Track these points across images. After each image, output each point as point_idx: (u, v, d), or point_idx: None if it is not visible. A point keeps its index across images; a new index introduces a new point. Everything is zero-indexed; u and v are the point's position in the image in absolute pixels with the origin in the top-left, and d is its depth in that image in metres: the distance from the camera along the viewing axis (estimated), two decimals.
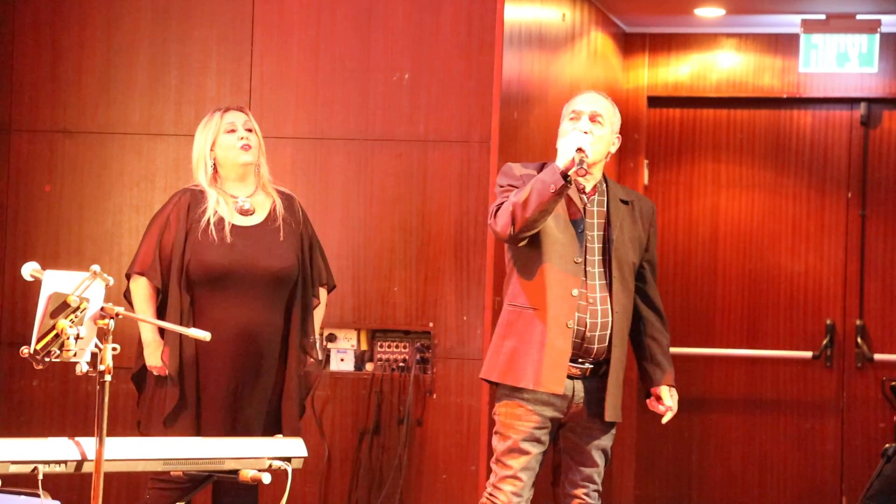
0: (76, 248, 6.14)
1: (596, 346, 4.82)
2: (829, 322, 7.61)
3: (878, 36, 7.30)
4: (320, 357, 5.84)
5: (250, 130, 5.20)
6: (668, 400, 4.96)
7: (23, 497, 4.04)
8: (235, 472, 4.27)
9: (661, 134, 7.88)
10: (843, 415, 7.60)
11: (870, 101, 7.59)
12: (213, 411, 5.06)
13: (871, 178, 7.63)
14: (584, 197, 4.88)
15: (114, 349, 3.74)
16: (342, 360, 6.01)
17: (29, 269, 3.82)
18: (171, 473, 4.41)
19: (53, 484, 4.26)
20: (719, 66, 7.75)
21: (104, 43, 6.18)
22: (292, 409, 5.16)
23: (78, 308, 3.71)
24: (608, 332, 4.83)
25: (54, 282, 3.73)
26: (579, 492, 4.89)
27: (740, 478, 7.68)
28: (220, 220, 5.09)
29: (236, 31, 6.10)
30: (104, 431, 3.73)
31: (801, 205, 7.71)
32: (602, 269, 4.86)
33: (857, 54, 7.36)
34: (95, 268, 3.76)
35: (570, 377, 4.81)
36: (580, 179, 4.88)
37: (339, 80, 6.03)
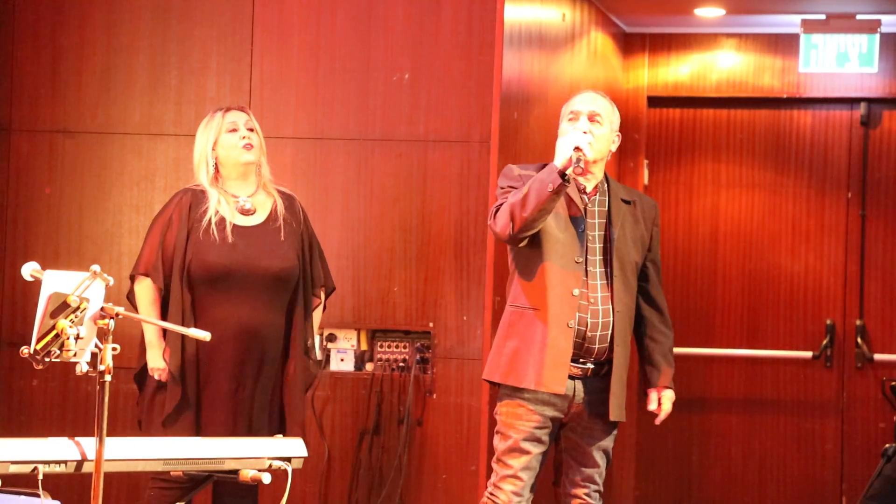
0: (76, 248, 6.14)
1: (597, 346, 4.82)
2: (829, 322, 7.61)
3: (878, 36, 7.30)
4: (319, 357, 5.85)
5: (252, 130, 5.20)
6: (654, 403, 4.97)
7: (23, 497, 4.04)
8: (235, 472, 4.27)
9: (661, 134, 7.88)
10: (843, 415, 7.60)
11: (870, 101, 7.59)
12: (214, 411, 5.06)
13: (871, 178, 7.63)
14: (584, 197, 4.88)
15: (114, 349, 3.74)
16: (342, 360, 6.01)
17: (29, 269, 3.81)
18: (171, 473, 4.41)
19: (53, 484, 4.26)
20: (719, 66, 7.75)
21: (104, 43, 6.18)
22: (297, 406, 5.16)
23: (78, 308, 3.71)
24: (609, 331, 4.83)
25: (54, 282, 3.73)
26: (580, 492, 4.90)
27: (740, 478, 7.68)
28: (222, 220, 5.09)
29: (236, 31, 6.10)
30: (104, 431, 3.73)
31: (801, 205, 7.71)
32: (603, 269, 4.86)
33: (857, 54, 7.36)
34: (95, 268, 3.76)
35: (571, 377, 4.81)
36: (580, 179, 4.88)
37: (339, 80, 6.03)
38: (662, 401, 4.97)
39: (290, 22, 6.07)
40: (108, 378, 3.71)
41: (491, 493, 4.85)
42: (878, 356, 7.55)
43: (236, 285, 5.05)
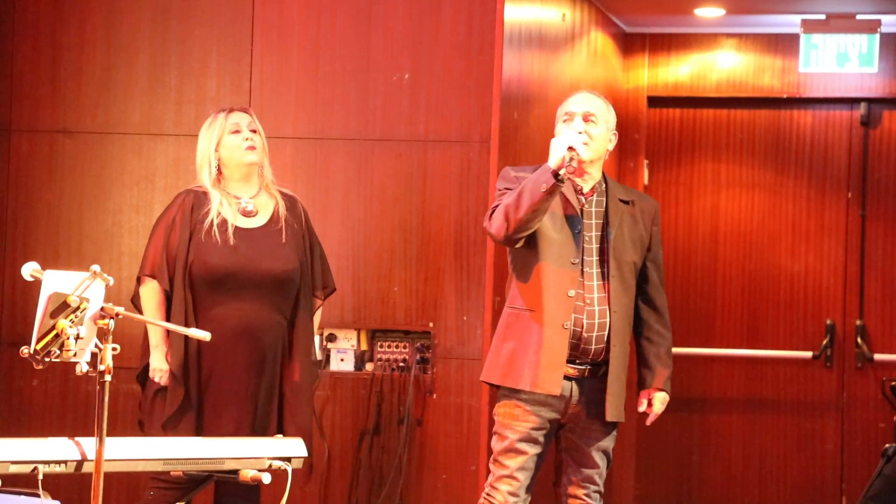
0: (76, 248, 6.14)
1: (593, 347, 4.82)
2: (829, 322, 7.61)
3: (878, 36, 7.29)
4: (319, 358, 5.85)
5: (254, 131, 5.20)
6: (643, 405, 4.97)
7: (23, 497, 4.04)
8: (235, 472, 4.27)
9: (661, 134, 7.88)
10: (843, 415, 7.60)
11: (870, 101, 7.59)
12: (215, 414, 5.06)
13: (872, 178, 7.63)
14: (581, 198, 4.88)
15: (114, 349, 3.74)
16: (342, 360, 6.01)
17: (29, 269, 3.81)
18: (171, 473, 4.41)
19: (53, 484, 4.26)
20: (719, 66, 7.75)
21: (104, 43, 6.18)
22: (303, 413, 5.15)
23: (78, 308, 3.71)
24: (606, 332, 4.82)
25: (54, 282, 3.73)
26: (580, 492, 4.90)
27: (740, 478, 7.68)
28: (224, 222, 5.09)
29: (236, 31, 6.10)
30: (104, 431, 3.73)
31: (801, 205, 7.70)
32: (600, 270, 4.86)
33: (857, 54, 7.36)
34: (95, 268, 3.76)
35: (568, 378, 4.81)
36: (577, 180, 4.88)
37: (339, 80, 6.03)
38: (653, 402, 4.97)
39: (290, 22, 6.07)
40: (108, 378, 3.71)
41: (487, 494, 4.86)
42: (878, 356, 7.55)
43: (238, 287, 5.05)
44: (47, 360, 3.71)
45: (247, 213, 5.16)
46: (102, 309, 3.77)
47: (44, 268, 3.80)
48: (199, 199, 5.12)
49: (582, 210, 4.86)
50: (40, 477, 3.84)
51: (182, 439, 4.51)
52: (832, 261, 7.65)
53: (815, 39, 7.40)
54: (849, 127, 7.67)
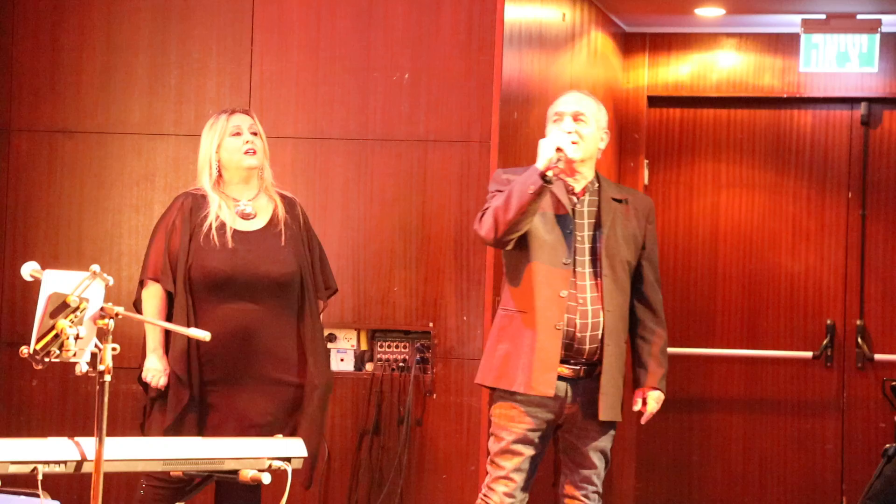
0: (76, 248, 6.14)
1: (587, 347, 4.82)
2: (829, 322, 7.61)
3: (878, 36, 7.29)
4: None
5: (255, 134, 5.19)
6: (638, 404, 4.97)
7: (23, 497, 4.04)
8: (235, 472, 4.27)
9: (661, 134, 7.87)
10: (843, 415, 7.60)
11: (870, 100, 7.59)
12: (216, 417, 5.04)
13: (872, 178, 7.63)
14: (573, 197, 4.88)
15: (114, 349, 3.74)
16: (342, 360, 6.01)
17: (29, 269, 3.81)
18: (172, 474, 4.40)
19: (53, 484, 4.27)
20: (719, 66, 7.75)
21: (104, 43, 6.18)
22: (316, 415, 5.13)
23: (78, 308, 3.71)
24: (600, 332, 4.82)
25: (54, 282, 3.73)
26: (578, 493, 4.90)
27: (740, 478, 7.68)
28: (222, 225, 5.08)
29: (236, 31, 6.10)
30: (104, 431, 3.72)
31: (801, 205, 7.70)
32: (592, 270, 4.85)
33: (858, 54, 7.36)
34: (95, 268, 3.76)
35: (562, 378, 4.81)
36: (569, 180, 4.88)
37: (339, 80, 6.03)
38: (648, 401, 4.96)
39: (290, 22, 6.07)
40: (107, 378, 3.70)
41: (484, 495, 4.88)
42: (878, 356, 7.54)
43: (237, 291, 5.04)
44: (47, 360, 3.71)
45: (245, 216, 5.15)
46: (102, 309, 3.77)
47: (43, 268, 3.80)
48: (197, 202, 5.12)
49: (574, 210, 4.86)
50: (40, 477, 3.84)
51: (182, 439, 4.51)
52: (832, 261, 7.64)
53: (816, 39, 7.39)
54: (849, 127, 7.67)
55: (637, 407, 4.97)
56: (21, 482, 3.98)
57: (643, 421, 5.01)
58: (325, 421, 5.27)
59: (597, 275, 4.85)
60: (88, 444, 3.91)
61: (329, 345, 5.99)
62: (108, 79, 6.17)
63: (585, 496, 4.90)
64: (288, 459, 4.36)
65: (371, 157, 5.99)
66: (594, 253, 4.86)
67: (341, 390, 5.97)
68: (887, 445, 5.40)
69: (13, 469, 3.83)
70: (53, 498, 4.05)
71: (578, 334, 4.80)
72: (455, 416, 5.88)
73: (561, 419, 4.86)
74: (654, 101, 7.82)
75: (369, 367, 6.01)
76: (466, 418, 5.87)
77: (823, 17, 7.28)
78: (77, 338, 3.71)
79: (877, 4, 7.15)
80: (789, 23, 7.45)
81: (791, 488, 7.63)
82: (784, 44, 7.62)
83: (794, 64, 7.55)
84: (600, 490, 4.93)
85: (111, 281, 3.79)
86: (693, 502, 7.74)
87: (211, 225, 5.06)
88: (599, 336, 4.82)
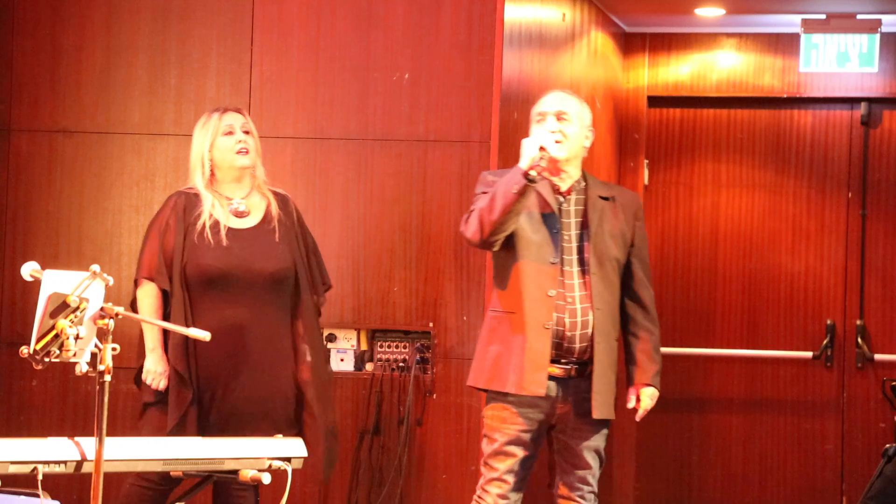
0: (76, 248, 6.14)
1: (577, 346, 4.82)
2: (829, 322, 7.61)
3: (878, 36, 7.29)
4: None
5: (248, 133, 5.19)
6: (632, 401, 4.96)
7: (23, 497, 4.04)
8: (235, 472, 4.27)
9: (661, 134, 7.87)
10: (843, 415, 7.60)
11: (870, 100, 7.59)
12: (214, 415, 5.04)
13: (872, 177, 7.63)
14: (559, 197, 4.88)
15: (113, 349, 3.74)
16: (342, 360, 6.01)
17: (28, 269, 3.81)
18: (172, 474, 4.41)
19: (53, 484, 4.26)
20: (719, 66, 7.75)
21: (104, 43, 6.18)
22: (327, 406, 5.14)
23: (78, 308, 3.71)
24: (589, 330, 4.82)
25: (54, 282, 3.73)
26: (574, 494, 4.90)
27: (740, 478, 7.68)
28: (216, 223, 5.08)
29: (236, 31, 6.10)
30: (104, 431, 3.72)
31: (801, 205, 7.70)
32: (580, 268, 4.85)
33: (858, 54, 7.36)
34: (95, 268, 3.76)
35: (554, 378, 4.81)
36: (555, 179, 4.89)
37: (339, 80, 6.03)
38: (642, 398, 4.96)
39: (290, 22, 6.07)
40: (107, 378, 3.71)
41: (478, 496, 4.89)
42: (878, 356, 7.54)
43: (232, 288, 5.04)
44: (47, 360, 3.71)
45: (239, 214, 5.15)
46: (102, 309, 3.77)
47: (43, 268, 3.80)
48: (190, 201, 5.12)
49: (560, 209, 4.87)
50: (40, 477, 3.84)
51: (182, 439, 4.51)
52: (832, 261, 7.64)
53: (816, 39, 7.39)
54: (849, 127, 7.67)
55: (631, 404, 4.97)
56: (21, 482, 3.98)
57: (638, 418, 5.01)
58: (336, 417, 5.27)
59: (585, 273, 4.85)
60: (88, 444, 3.91)
61: (329, 345, 6.00)
62: (108, 79, 6.17)
63: (581, 497, 4.90)
64: (288, 459, 4.36)
65: (371, 157, 5.99)
66: (581, 251, 4.86)
67: (341, 390, 5.97)
68: (887, 445, 5.40)
69: (13, 469, 3.83)
70: (53, 498, 4.05)
71: (568, 333, 4.80)
72: (455, 416, 5.88)
73: (554, 419, 4.86)
74: (654, 101, 7.82)
75: (369, 367, 6.01)
76: (466, 418, 5.87)
77: (823, 17, 7.28)
78: (77, 338, 3.71)
79: (877, 4, 7.15)
80: (789, 23, 7.45)
81: (791, 488, 7.63)
82: (784, 44, 7.62)
83: (794, 64, 7.55)
84: (596, 490, 4.93)
85: (111, 281, 3.79)
86: (693, 502, 7.74)
87: (205, 223, 5.06)
88: (589, 334, 4.82)
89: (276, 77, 6.07)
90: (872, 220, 7.62)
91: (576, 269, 4.85)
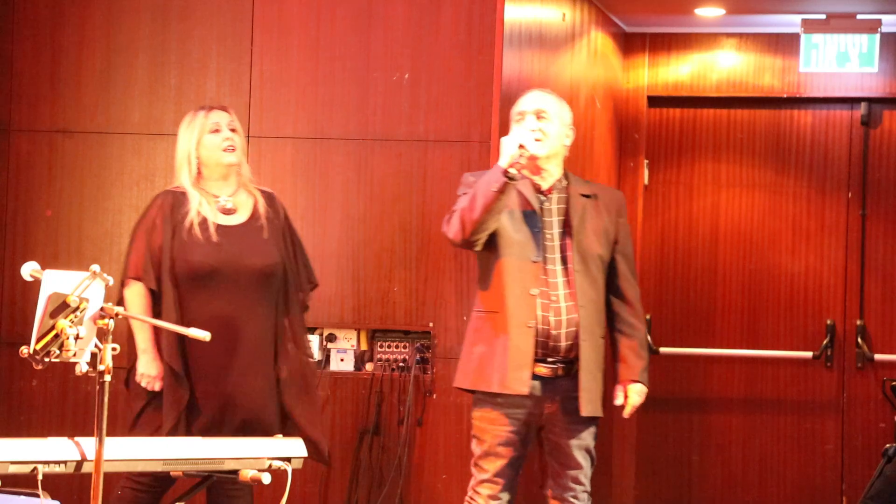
0: (76, 248, 6.14)
1: (563, 344, 4.82)
2: (829, 322, 7.60)
3: (878, 36, 7.29)
4: (319, 358, 5.87)
5: (234, 130, 5.20)
6: (619, 398, 4.96)
7: (23, 497, 4.04)
8: (235, 472, 4.27)
9: (661, 134, 7.87)
10: (843, 415, 7.60)
11: (870, 100, 7.59)
12: (205, 412, 5.03)
13: (872, 177, 7.62)
14: (541, 196, 4.89)
15: (113, 349, 3.74)
16: (342, 360, 6.01)
17: (28, 269, 3.81)
18: (171, 474, 4.41)
19: (53, 484, 4.26)
20: (719, 66, 7.75)
21: (104, 43, 6.18)
22: (312, 402, 5.15)
23: (78, 308, 3.71)
24: (575, 328, 4.82)
25: (54, 282, 3.73)
26: (567, 494, 4.91)
27: (740, 478, 7.68)
28: (204, 221, 5.08)
29: (236, 31, 6.10)
30: (104, 431, 3.72)
31: (801, 205, 7.70)
32: (564, 266, 4.87)
33: (858, 54, 7.36)
34: (95, 268, 3.76)
35: (541, 377, 4.82)
36: (536, 178, 4.90)
37: (339, 80, 6.03)
38: (629, 394, 4.96)
39: (290, 22, 6.07)
40: (107, 378, 3.71)
41: (470, 498, 4.91)
42: (878, 356, 7.54)
43: (222, 284, 5.04)
44: (47, 360, 3.71)
45: (226, 211, 5.15)
46: (102, 309, 3.77)
47: (43, 268, 3.80)
48: (177, 200, 5.12)
49: (542, 208, 4.88)
50: (40, 477, 3.84)
51: (182, 439, 4.51)
52: (832, 261, 7.64)
53: (816, 39, 7.39)
54: (849, 127, 7.67)
55: (619, 401, 4.96)
56: (21, 482, 3.98)
57: (626, 414, 5.00)
58: (320, 410, 5.27)
59: (568, 271, 4.86)
60: (88, 444, 3.91)
61: (329, 345, 6.00)
62: (108, 79, 6.17)
63: (574, 497, 4.90)
64: (288, 459, 4.37)
65: (371, 157, 5.99)
66: (564, 250, 4.87)
67: (341, 390, 5.97)
68: (887, 445, 5.40)
69: (13, 469, 3.83)
70: (53, 498, 4.05)
71: (553, 332, 4.80)
72: (455, 416, 5.88)
73: (542, 420, 4.87)
74: (654, 101, 7.82)
75: (369, 367, 6.01)
76: (466, 418, 5.85)
77: (823, 17, 7.28)
78: (77, 338, 3.71)
79: (877, 4, 7.15)
80: (789, 23, 7.45)
81: (791, 488, 7.63)
82: (784, 44, 7.61)
83: (794, 64, 7.55)
84: (588, 489, 4.93)
85: (111, 281, 3.79)
86: (693, 502, 7.74)
87: (192, 221, 5.06)
88: (575, 332, 4.82)
89: (276, 77, 6.07)
90: (872, 220, 7.62)
91: (559, 267, 4.86)
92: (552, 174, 4.92)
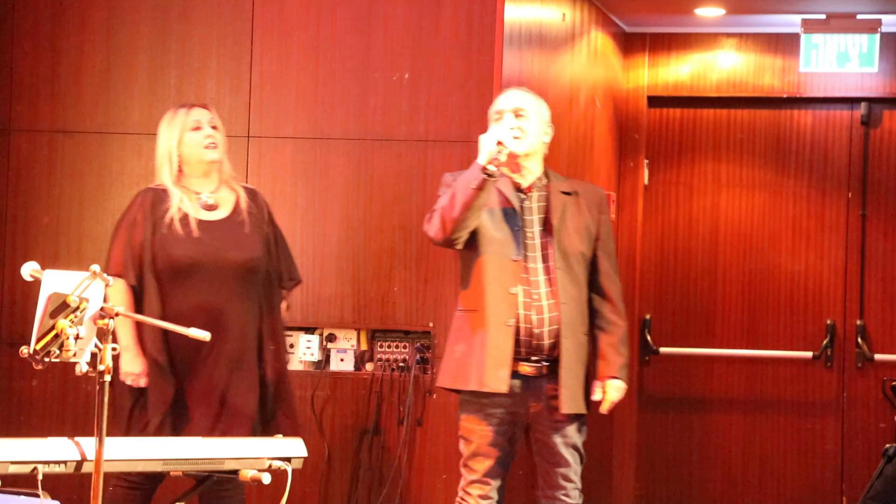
0: (76, 248, 6.14)
1: (546, 342, 4.82)
2: (829, 322, 7.60)
3: (878, 36, 7.29)
4: (318, 356, 5.88)
5: (215, 128, 5.20)
6: (597, 394, 4.94)
7: (23, 497, 4.04)
8: (235, 472, 4.27)
9: (661, 134, 7.87)
10: (843, 415, 7.60)
11: (870, 100, 7.59)
12: (191, 408, 5.03)
13: (872, 177, 7.62)
14: (520, 194, 4.90)
15: (113, 349, 3.74)
16: (342, 360, 6.01)
17: (28, 269, 3.81)
18: (171, 474, 4.41)
19: (53, 484, 4.26)
20: (719, 66, 7.75)
21: (104, 43, 6.18)
22: (289, 394, 5.16)
23: (77, 308, 3.71)
24: (557, 326, 4.82)
25: (54, 282, 3.73)
26: (557, 493, 4.91)
27: (740, 478, 7.68)
28: (185, 216, 5.09)
29: (236, 31, 6.10)
30: (104, 431, 3.72)
31: (801, 205, 7.70)
32: (545, 264, 4.87)
33: (858, 54, 7.36)
34: (95, 268, 3.76)
35: (525, 377, 4.83)
36: (515, 176, 4.91)
37: (339, 80, 6.03)
38: (608, 390, 4.95)
39: (290, 22, 6.07)
40: (107, 378, 3.71)
41: (461, 499, 4.92)
42: (878, 356, 7.54)
43: (203, 278, 5.04)
44: (47, 360, 3.71)
45: (208, 207, 5.16)
46: (102, 309, 3.77)
47: (44, 268, 3.80)
48: (158, 196, 5.13)
49: (522, 206, 4.88)
50: (40, 477, 3.84)
51: (182, 439, 4.51)
52: (832, 261, 7.64)
53: (816, 39, 7.39)
54: (849, 127, 7.67)
55: (596, 396, 4.95)
56: (21, 482, 3.98)
57: (603, 410, 4.98)
58: (295, 405, 5.27)
59: (549, 269, 4.86)
60: (88, 444, 3.91)
61: (329, 345, 6.00)
62: (108, 79, 6.17)
63: (565, 495, 4.90)
64: (288, 459, 4.37)
65: (371, 157, 6.00)
66: (545, 247, 4.87)
67: (341, 390, 5.97)
68: (887, 445, 5.40)
69: (13, 469, 3.83)
70: (53, 498, 4.05)
71: (535, 330, 4.81)
72: (455, 416, 5.87)
73: (529, 419, 4.87)
74: (654, 101, 7.82)
75: (369, 367, 6.01)
76: None
77: (823, 17, 7.28)
78: (77, 338, 3.71)
79: (877, 4, 7.15)
80: (789, 23, 7.45)
81: (791, 488, 7.63)
82: (784, 44, 7.61)
83: (794, 64, 7.55)
84: (579, 486, 4.93)
85: (111, 281, 3.79)
86: (693, 502, 7.74)
87: (173, 217, 5.06)
88: (557, 330, 4.82)
89: (276, 77, 6.07)
90: (872, 220, 7.62)
91: (540, 265, 4.86)
92: (532, 172, 4.93)
